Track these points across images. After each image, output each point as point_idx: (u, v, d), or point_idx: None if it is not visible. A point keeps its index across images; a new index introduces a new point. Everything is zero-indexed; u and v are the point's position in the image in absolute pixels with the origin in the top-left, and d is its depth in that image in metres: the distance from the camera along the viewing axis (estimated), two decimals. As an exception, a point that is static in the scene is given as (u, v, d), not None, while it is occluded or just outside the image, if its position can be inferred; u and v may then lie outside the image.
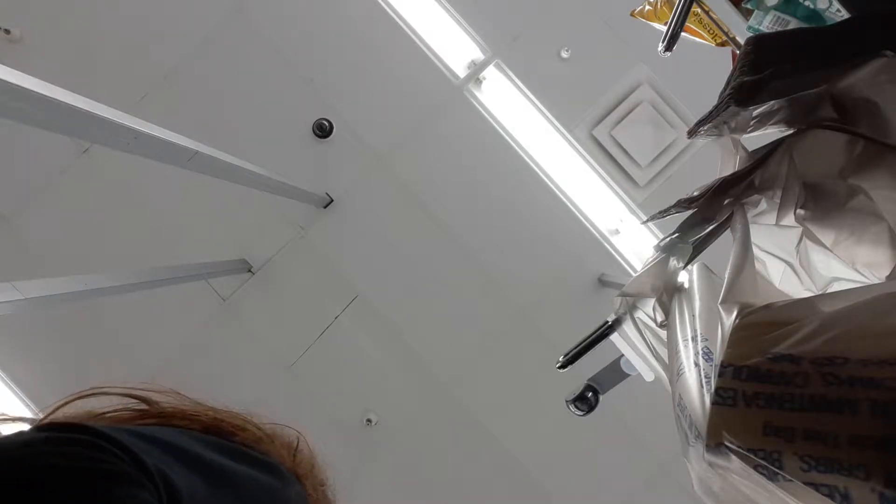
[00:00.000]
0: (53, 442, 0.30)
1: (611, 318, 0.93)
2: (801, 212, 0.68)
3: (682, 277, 0.75)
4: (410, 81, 2.72)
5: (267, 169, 1.97)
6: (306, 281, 2.73)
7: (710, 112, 0.70)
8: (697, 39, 1.29)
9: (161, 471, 0.32)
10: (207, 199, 2.66)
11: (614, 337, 0.95)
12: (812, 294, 0.72)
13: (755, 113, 0.71)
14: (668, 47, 1.12)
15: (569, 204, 2.72)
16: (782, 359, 0.45)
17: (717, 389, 0.47)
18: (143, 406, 0.48)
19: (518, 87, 2.73)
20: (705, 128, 0.74)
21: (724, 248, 0.68)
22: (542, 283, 2.74)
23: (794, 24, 0.83)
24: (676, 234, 0.78)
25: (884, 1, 0.67)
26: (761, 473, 0.44)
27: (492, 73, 2.74)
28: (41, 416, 0.46)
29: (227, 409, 0.51)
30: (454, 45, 2.73)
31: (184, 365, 2.68)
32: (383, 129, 2.73)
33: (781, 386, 0.44)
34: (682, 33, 1.13)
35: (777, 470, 0.42)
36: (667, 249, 0.79)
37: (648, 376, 0.91)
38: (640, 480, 2.68)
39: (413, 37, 2.69)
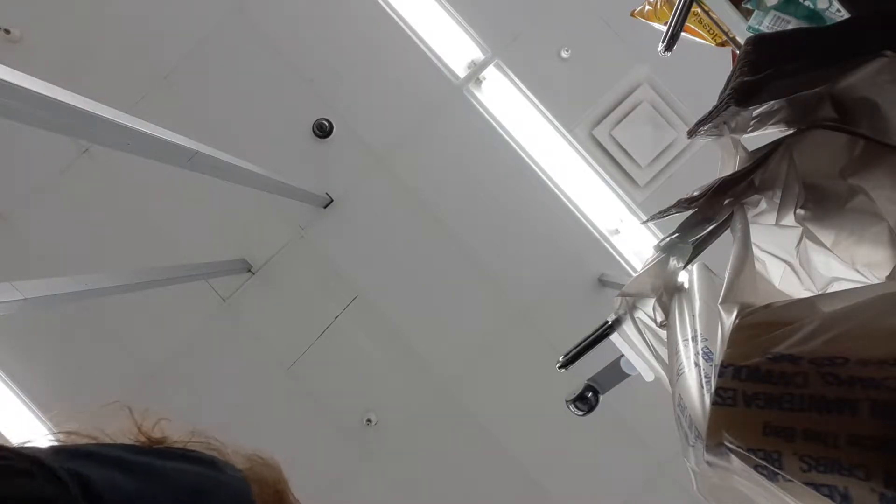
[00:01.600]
0: None
1: (611, 318, 0.93)
2: (801, 212, 0.68)
3: (682, 277, 0.75)
4: (410, 81, 2.72)
5: (267, 169, 1.97)
6: (306, 281, 2.73)
7: (710, 112, 0.70)
8: (697, 39, 1.29)
9: (75, 471, 0.38)
10: (207, 199, 2.66)
11: (614, 337, 0.94)
12: (812, 294, 0.72)
13: (755, 113, 0.71)
14: (668, 47, 1.12)
15: (569, 204, 2.72)
16: (782, 359, 0.45)
17: (717, 389, 0.47)
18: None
19: (518, 87, 2.73)
20: (705, 128, 0.74)
21: (724, 248, 0.68)
22: (542, 283, 2.74)
23: (794, 24, 0.83)
24: (676, 234, 0.78)
25: (884, 1, 0.67)
26: (761, 473, 0.44)
27: (492, 73, 2.74)
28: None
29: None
30: (454, 45, 2.73)
31: (184, 365, 2.68)
32: (383, 129, 2.73)
33: (781, 386, 0.44)
34: (682, 33, 1.13)
35: (777, 470, 0.42)
36: (667, 249, 0.79)
37: (648, 376, 0.91)
38: (640, 480, 2.68)
39: (413, 37, 2.69)
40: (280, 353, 2.69)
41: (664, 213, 0.78)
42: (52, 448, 0.43)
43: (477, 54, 2.73)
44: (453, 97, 2.71)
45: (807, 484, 0.41)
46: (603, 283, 2.70)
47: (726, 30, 1.15)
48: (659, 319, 0.75)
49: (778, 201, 0.69)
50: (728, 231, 0.70)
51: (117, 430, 0.52)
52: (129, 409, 0.54)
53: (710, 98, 0.71)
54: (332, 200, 2.72)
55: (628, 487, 2.69)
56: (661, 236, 0.81)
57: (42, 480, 0.36)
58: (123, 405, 0.54)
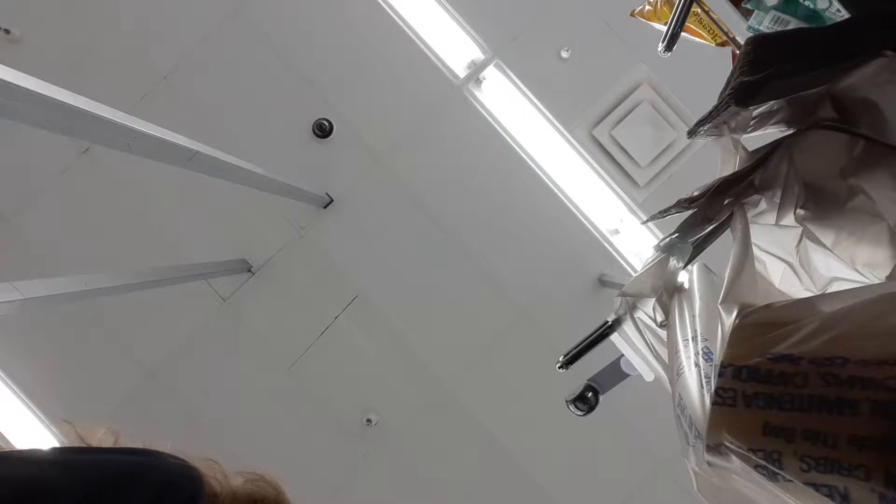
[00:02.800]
0: None
1: (611, 318, 0.93)
2: (801, 212, 0.68)
3: (682, 277, 0.75)
4: (410, 81, 2.72)
5: (267, 169, 1.97)
6: (306, 281, 2.73)
7: (710, 112, 0.70)
8: (697, 39, 1.29)
9: None
10: (207, 199, 2.66)
11: (614, 337, 0.94)
12: (812, 294, 0.72)
13: (755, 113, 0.71)
14: (668, 47, 1.12)
15: (569, 204, 2.72)
16: (782, 359, 0.45)
17: (716, 389, 0.47)
18: None
19: (518, 87, 2.73)
20: (705, 128, 0.74)
21: (724, 248, 0.68)
22: (542, 283, 2.74)
23: (794, 24, 0.83)
24: (676, 234, 0.78)
25: (884, 1, 0.67)
26: (761, 473, 0.44)
27: (492, 73, 2.74)
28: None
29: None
30: (454, 45, 2.72)
31: (183, 365, 2.68)
32: (383, 129, 2.73)
33: (781, 386, 0.44)
34: (682, 33, 1.13)
35: (777, 470, 0.42)
36: (667, 249, 0.79)
37: (648, 376, 0.91)
38: (639, 480, 2.68)
39: (413, 37, 2.69)
40: (280, 353, 2.69)
41: (664, 213, 0.78)
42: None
43: (477, 54, 2.73)
44: (453, 97, 2.71)
45: (807, 484, 0.41)
46: (603, 283, 2.70)
47: (726, 30, 1.15)
48: (659, 319, 0.75)
49: (778, 201, 0.69)
50: (728, 231, 0.70)
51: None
52: (69, 423, 0.54)
53: (710, 98, 0.71)
54: (332, 200, 2.72)
55: (628, 487, 2.69)
56: (661, 236, 0.81)
57: None
58: (64, 421, 0.54)
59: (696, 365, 0.55)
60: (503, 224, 2.74)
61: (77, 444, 0.53)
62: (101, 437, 0.54)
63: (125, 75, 2.65)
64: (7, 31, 2.60)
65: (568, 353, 1.03)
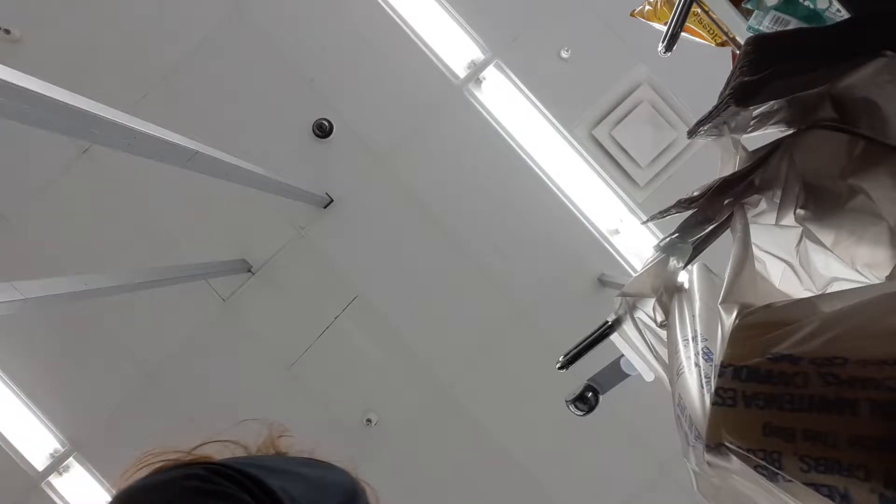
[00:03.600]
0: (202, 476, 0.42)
1: (611, 318, 0.92)
2: (801, 212, 0.68)
3: (682, 277, 0.75)
4: (410, 81, 2.72)
5: (267, 169, 1.97)
6: (306, 281, 2.73)
7: (710, 112, 0.70)
8: (697, 39, 1.29)
9: (281, 488, 0.44)
10: (207, 199, 2.66)
11: (614, 337, 0.94)
12: (812, 294, 0.72)
13: (755, 113, 0.71)
14: (668, 47, 1.12)
15: (569, 204, 2.72)
16: (782, 359, 0.45)
17: (716, 390, 0.47)
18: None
19: (518, 87, 2.73)
20: (705, 128, 0.74)
21: (724, 248, 0.68)
22: (542, 283, 2.74)
23: (794, 24, 0.83)
24: (676, 234, 0.78)
25: (884, 1, 0.67)
26: (761, 474, 0.43)
27: (492, 73, 2.74)
28: None
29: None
30: (454, 45, 2.73)
31: (184, 365, 2.68)
32: (383, 129, 2.73)
33: (781, 386, 0.44)
34: (682, 33, 1.13)
35: (777, 470, 0.42)
36: (667, 249, 0.79)
37: (648, 376, 0.91)
38: (640, 480, 2.68)
39: (413, 37, 2.69)
40: (280, 353, 2.69)
41: (664, 213, 0.78)
42: (228, 462, 0.47)
43: (477, 54, 2.73)
44: (453, 97, 2.71)
45: (807, 484, 0.41)
46: (603, 283, 2.70)
47: (726, 30, 1.15)
48: (659, 319, 0.75)
49: (778, 201, 0.69)
50: (728, 231, 0.70)
51: (252, 444, 0.58)
52: (269, 426, 0.61)
53: (710, 98, 0.71)
54: (332, 200, 2.72)
55: (628, 487, 2.69)
56: (661, 236, 0.81)
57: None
58: (265, 422, 0.61)
59: (696, 365, 0.55)
60: (503, 224, 2.74)
61: (267, 445, 0.59)
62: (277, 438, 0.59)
63: (125, 75, 2.65)
64: (7, 31, 2.60)
65: (568, 353, 1.03)
